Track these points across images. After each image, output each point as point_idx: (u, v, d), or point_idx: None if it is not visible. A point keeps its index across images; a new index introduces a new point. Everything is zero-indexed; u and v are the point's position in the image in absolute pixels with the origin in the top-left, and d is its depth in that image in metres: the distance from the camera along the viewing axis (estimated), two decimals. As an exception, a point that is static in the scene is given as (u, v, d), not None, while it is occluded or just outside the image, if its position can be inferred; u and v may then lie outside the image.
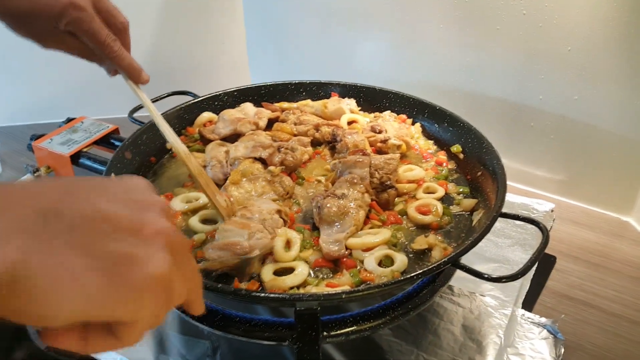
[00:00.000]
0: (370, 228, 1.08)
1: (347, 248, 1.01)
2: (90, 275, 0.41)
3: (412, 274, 0.87)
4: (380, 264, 0.98)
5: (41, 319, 0.40)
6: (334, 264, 1.00)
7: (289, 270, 0.97)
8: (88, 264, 0.41)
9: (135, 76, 1.03)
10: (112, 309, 0.42)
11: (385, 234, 1.04)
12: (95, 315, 0.42)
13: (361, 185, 1.12)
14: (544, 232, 0.99)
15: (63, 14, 0.91)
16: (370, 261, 0.97)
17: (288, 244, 1.01)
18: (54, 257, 0.40)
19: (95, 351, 0.46)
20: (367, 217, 1.10)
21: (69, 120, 1.56)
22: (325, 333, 0.91)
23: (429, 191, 1.20)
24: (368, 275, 0.96)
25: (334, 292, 0.90)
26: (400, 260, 0.97)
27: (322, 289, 0.93)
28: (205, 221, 1.10)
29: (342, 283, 0.95)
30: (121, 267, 0.42)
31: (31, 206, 0.41)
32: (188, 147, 1.36)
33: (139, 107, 1.43)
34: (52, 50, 0.98)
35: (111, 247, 0.43)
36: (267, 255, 0.99)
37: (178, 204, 1.13)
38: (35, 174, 1.43)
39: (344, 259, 1.00)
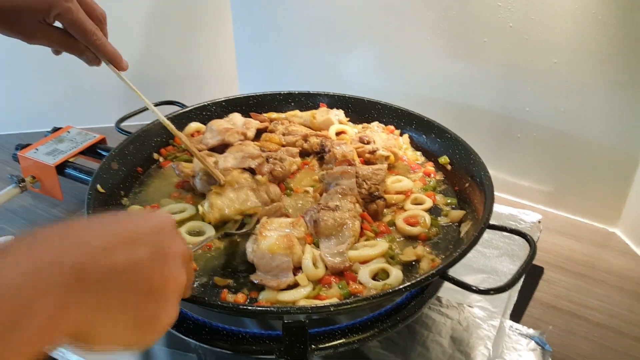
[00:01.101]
0: (366, 240, 1.08)
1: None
2: (128, 330, 0.53)
3: (400, 287, 0.87)
4: (375, 276, 0.98)
5: (86, 350, 0.52)
6: (339, 277, 0.99)
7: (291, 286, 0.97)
8: (126, 320, 0.53)
9: (117, 62, 1.07)
10: (130, 348, 0.56)
11: (382, 246, 1.04)
12: (119, 350, 0.55)
13: (352, 196, 1.12)
14: (532, 244, 0.99)
15: (53, 6, 0.94)
16: (364, 273, 0.97)
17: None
18: (108, 317, 0.51)
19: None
20: (361, 228, 1.09)
21: (55, 129, 1.55)
22: (313, 346, 0.90)
23: (417, 202, 1.20)
24: (357, 287, 0.95)
25: (322, 304, 0.89)
26: (395, 275, 0.97)
27: (310, 301, 0.93)
28: (192, 232, 1.09)
29: (331, 295, 0.94)
30: (149, 322, 0.55)
31: (101, 265, 0.50)
32: (175, 157, 1.36)
33: (126, 117, 1.42)
34: (37, 44, 1.01)
35: (144, 307, 0.54)
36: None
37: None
38: (20, 184, 1.41)
39: (348, 271, 0.99)
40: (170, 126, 1.13)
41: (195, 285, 0.97)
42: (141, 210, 0.62)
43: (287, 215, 1.11)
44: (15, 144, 1.48)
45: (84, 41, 1.01)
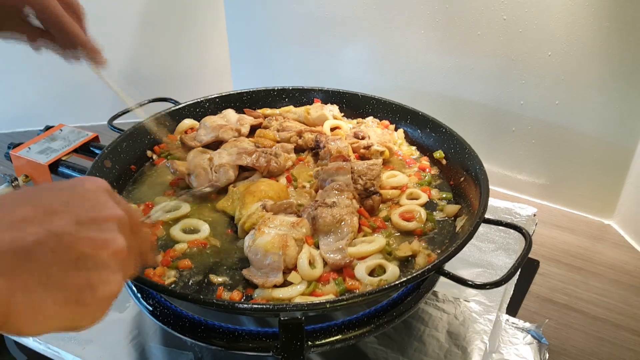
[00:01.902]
0: (364, 236, 1.07)
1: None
2: (63, 307, 0.49)
3: (396, 282, 0.87)
4: (371, 272, 0.98)
5: (22, 335, 0.54)
6: (338, 273, 0.99)
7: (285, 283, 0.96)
8: (56, 298, 0.48)
9: (96, 57, 1.04)
10: (74, 326, 0.51)
11: (380, 242, 1.04)
12: (63, 330, 0.51)
13: (348, 192, 1.11)
14: (527, 237, 0.99)
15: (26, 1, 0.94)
16: (360, 269, 0.97)
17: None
18: (30, 296, 0.47)
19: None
20: (359, 224, 1.09)
21: (48, 128, 1.53)
22: (310, 343, 0.90)
23: (413, 197, 1.20)
24: (353, 283, 0.95)
25: (318, 301, 0.89)
26: (392, 271, 0.97)
27: (306, 298, 0.93)
28: (186, 230, 1.09)
29: (327, 292, 0.94)
30: (83, 294, 0.50)
31: (6, 244, 0.46)
32: (169, 154, 1.35)
33: (119, 115, 1.41)
34: (8, 39, 1.01)
35: (73, 278, 0.49)
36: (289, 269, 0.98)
37: (159, 212, 1.12)
38: (13, 183, 1.40)
39: (348, 268, 0.99)
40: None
41: (190, 283, 0.97)
42: (71, 180, 0.57)
43: (296, 214, 1.10)
44: (7, 143, 1.47)
45: (56, 33, 0.99)
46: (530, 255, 1.01)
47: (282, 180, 1.25)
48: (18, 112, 1.91)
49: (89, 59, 1.04)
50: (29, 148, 1.43)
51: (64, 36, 0.99)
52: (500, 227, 1.18)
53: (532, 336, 1.08)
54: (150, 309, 0.97)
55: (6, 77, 1.85)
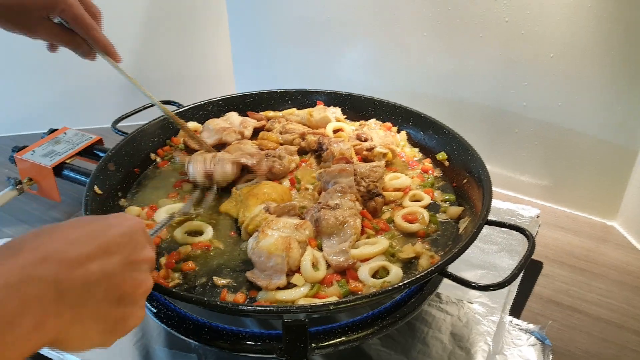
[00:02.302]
0: (367, 238, 1.08)
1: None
2: (100, 335, 0.58)
3: (400, 284, 0.87)
4: (375, 274, 0.98)
5: (61, 351, 0.63)
6: (342, 275, 0.99)
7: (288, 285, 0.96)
8: (99, 328, 0.58)
9: (113, 54, 1.14)
10: (105, 346, 0.61)
11: (383, 243, 1.04)
12: (88, 350, 0.59)
13: (351, 194, 1.12)
14: (530, 239, 0.99)
15: (58, 2, 1.01)
16: (364, 271, 0.97)
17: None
18: (82, 326, 0.55)
19: None
20: (362, 226, 1.09)
21: (52, 131, 1.54)
22: (313, 344, 0.90)
23: (415, 199, 1.20)
24: (357, 285, 0.95)
25: (321, 303, 0.89)
26: (395, 272, 0.97)
27: (310, 300, 0.93)
28: (190, 233, 1.09)
29: (330, 294, 0.94)
30: (118, 325, 0.60)
31: (77, 282, 0.54)
32: (172, 157, 1.36)
33: (123, 118, 1.41)
34: (38, 39, 1.07)
35: (115, 312, 0.59)
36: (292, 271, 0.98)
37: (162, 215, 1.12)
38: (17, 186, 1.41)
39: (351, 270, 0.99)
40: (152, 96, 1.22)
41: (194, 286, 0.97)
42: (115, 216, 0.65)
43: (299, 216, 1.10)
44: (11, 146, 1.48)
45: (83, 35, 1.07)
46: (533, 257, 1.01)
47: (285, 182, 1.26)
48: (22, 115, 1.92)
49: (106, 56, 1.13)
50: (33, 151, 1.44)
51: (85, 35, 1.07)
52: (504, 229, 1.19)
53: (536, 337, 1.08)
54: (155, 311, 0.97)
55: (10, 80, 1.86)
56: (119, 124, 1.39)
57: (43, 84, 1.88)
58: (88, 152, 1.48)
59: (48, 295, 0.51)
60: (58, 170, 1.40)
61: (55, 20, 1.06)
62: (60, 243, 0.55)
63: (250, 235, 1.05)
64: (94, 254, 0.57)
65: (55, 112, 1.92)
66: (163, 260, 1.02)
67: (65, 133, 1.52)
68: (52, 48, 1.12)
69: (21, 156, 1.42)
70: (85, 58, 1.13)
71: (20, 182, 1.42)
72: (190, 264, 1.01)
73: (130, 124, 1.39)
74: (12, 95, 1.89)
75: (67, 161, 1.42)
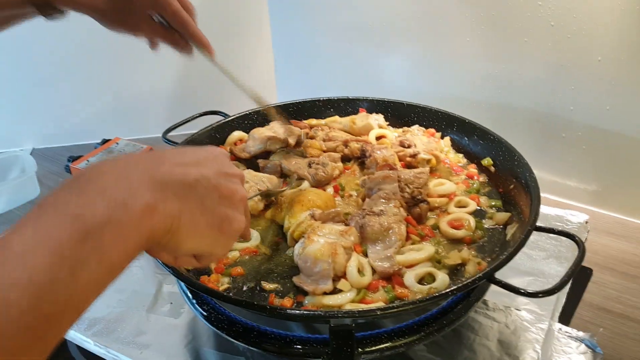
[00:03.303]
0: (412, 244, 1.08)
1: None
2: (209, 229, 0.65)
3: (447, 290, 0.87)
4: (421, 280, 0.98)
5: (173, 252, 0.65)
6: (387, 281, 0.99)
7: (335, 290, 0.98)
8: (208, 221, 0.64)
9: (208, 49, 1.20)
10: (212, 248, 0.68)
11: (429, 250, 1.04)
12: (202, 250, 0.68)
13: (395, 200, 1.12)
14: (580, 245, 0.97)
15: (156, 1, 1.06)
16: (409, 277, 0.97)
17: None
18: (191, 215, 0.61)
19: (184, 266, 0.81)
20: (407, 232, 1.10)
21: (105, 141, 1.61)
22: (360, 349, 0.91)
23: (461, 205, 1.19)
24: (403, 291, 0.96)
25: (368, 308, 0.90)
26: (442, 279, 0.97)
27: (356, 305, 0.94)
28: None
29: (376, 299, 0.95)
30: (223, 223, 0.66)
31: (177, 177, 0.60)
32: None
33: (173, 128, 1.46)
34: (140, 37, 1.13)
35: (219, 210, 0.65)
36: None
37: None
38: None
39: (397, 276, 1.00)
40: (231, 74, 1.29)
41: (243, 290, 1.00)
42: (204, 147, 0.73)
43: (344, 222, 1.12)
44: (67, 155, 1.54)
45: (181, 30, 1.13)
46: (583, 264, 0.99)
47: (330, 189, 1.27)
48: (76, 126, 1.99)
49: (202, 49, 1.18)
50: (88, 161, 1.50)
51: (182, 30, 1.12)
52: (551, 235, 1.17)
53: (586, 345, 1.06)
54: (205, 314, 1.00)
55: (64, 92, 1.94)
56: (169, 134, 1.44)
57: (96, 96, 1.95)
58: (139, 161, 1.53)
59: (152, 184, 0.57)
60: (111, 179, 1.45)
61: (155, 19, 1.11)
62: (157, 155, 0.62)
63: (296, 241, 1.07)
64: (189, 162, 0.63)
65: (108, 123, 1.99)
66: (213, 265, 1.05)
67: (117, 143, 1.59)
68: (153, 45, 1.17)
69: (76, 166, 1.49)
70: (182, 52, 1.18)
71: (75, 191, 1.48)
72: (239, 269, 1.04)
73: (180, 134, 1.43)
74: (66, 106, 1.97)
75: (120, 170, 1.47)
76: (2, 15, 1.01)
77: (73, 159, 1.52)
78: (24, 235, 0.47)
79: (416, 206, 1.15)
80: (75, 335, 1.13)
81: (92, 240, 0.49)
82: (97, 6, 1.03)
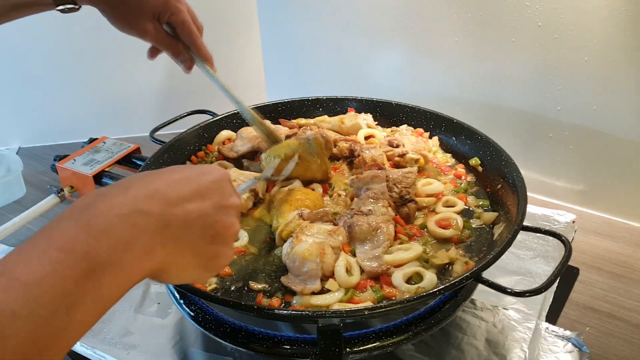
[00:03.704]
0: (400, 243, 1.08)
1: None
2: (196, 269, 0.66)
3: (434, 290, 0.87)
4: (408, 280, 0.99)
5: (164, 283, 0.72)
6: (375, 281, 0.99)
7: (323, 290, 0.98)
8: (197, 262, 0.65)
9: (210, 63, 1.20)
10: (196, 280, 0.69)
11: (417, 249, 1.04)
12: (188, 282, 0.75)
13: (384, 200, 1.12)
14: (567, 245, 0.98)
15: (169, 5, 1.07)
16: (397, 277, 0.97)
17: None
18: (182, 258, 0.62)
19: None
20: (395, 232, 1.10)
21: (91, 140, 1.59)
22: (348, 349, 0.91)
23: (449, 205, 1.20)
24: (391, 291, 0.96)
25: (356, 308, 0.90)
26: (429, 278, 0.97)
27: (344, 305, 0.94)
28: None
29: (364, 299, 0.95)
30: (212, 261, 0.67)
31: (179, 218, 0.60)
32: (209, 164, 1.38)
33: (161, 127, 1.45)
34: (147, 41, 1.11)
35: (210, 248, 0.65)
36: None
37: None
38: (59, 194, 1.46)
39: (385, 275, 1.00)
40: (255, 115, 1.29)
41: (231, 290, 0.99)
42: (206, 166, 0.76)
43: (332, 222, 1.12)
44: (52, 155, 1.53)
45: (187, 41, 1.13)
46: (570, 263, 1.00)
47: (318, 189, 1.27)
48: (63, 125, 1.98)
49: (205, 64, 1.18)
50: (74, 160, 1.49)
51: (188, 41, 1.13)
52: (539, 235, 1.17)
53: (573, 344, 1.06)
54: (192, 314, 0.99)
55: (51, 91, 1.92)
56: (157, 133, 1.43)
57: (83, 94, 1.94)
58: (126, 160, 1.52)
59: (154, 227, 0.57)
60: (98, 178, 1.44)
61: (165, 28, 1.11)
62: (162, 184, 0.61)
63: (284, 240, 1.07)
64: (190, 196, 0.62)
65: (95, 122, 1.98)
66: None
67: (104, 142, 1.57)
68: (153, 53, 1.16)
69: (62, 165, 1.47)
70: (182, 64, 1.17)
71: (61, 190, 1.47)
72: (227, 269, 1.03)
73: (167, 133, 1.43)
74: (53, 105, 1.96)
75: (107, 169, 1.46)
76: (19, 2, 1.00)
77: (59, 158, 1.50)
78: (30, 265, 0.47)
79: (404, 206, 1.15)
80: (61, 336, 1.12)
81: (93, 279, 0.50)
82: (111, 1, 1.03)
